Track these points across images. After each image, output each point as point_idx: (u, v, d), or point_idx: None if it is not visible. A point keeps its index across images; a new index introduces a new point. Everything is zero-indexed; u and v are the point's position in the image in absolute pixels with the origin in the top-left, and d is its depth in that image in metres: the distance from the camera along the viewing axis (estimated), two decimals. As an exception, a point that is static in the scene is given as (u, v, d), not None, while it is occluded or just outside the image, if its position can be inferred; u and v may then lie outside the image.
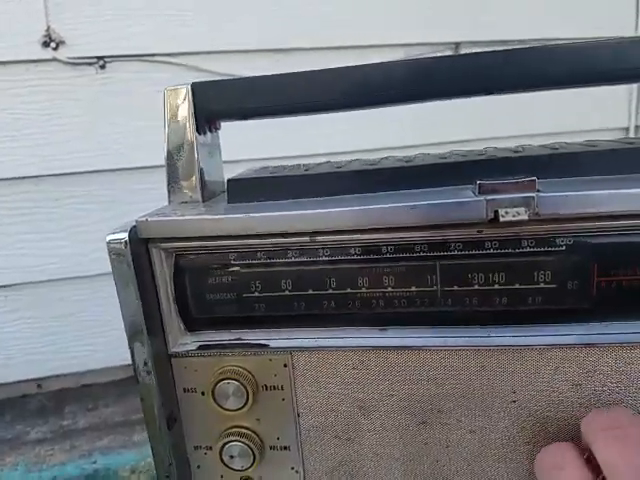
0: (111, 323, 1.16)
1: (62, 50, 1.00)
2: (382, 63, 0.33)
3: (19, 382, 1.20)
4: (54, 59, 1.01)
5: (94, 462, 1.03)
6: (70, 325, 1.18)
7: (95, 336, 1.19)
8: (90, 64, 1.03)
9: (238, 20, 1.06)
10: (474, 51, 0.34)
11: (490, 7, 1.19)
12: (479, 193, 0.29)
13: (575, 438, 0.32)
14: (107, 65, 1.03)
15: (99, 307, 1.16)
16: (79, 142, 1.05)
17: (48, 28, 0.98)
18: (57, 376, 1.21)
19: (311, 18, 1.10)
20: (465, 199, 0.29)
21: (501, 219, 0.28)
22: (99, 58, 1.03)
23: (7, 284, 1.13)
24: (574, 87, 0.33)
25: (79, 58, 1.02)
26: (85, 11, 0.99)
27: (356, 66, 0.33)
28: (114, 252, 0.31)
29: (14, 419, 1.17)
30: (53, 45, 0.99)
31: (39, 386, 1.22)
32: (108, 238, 0.31)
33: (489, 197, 0.28)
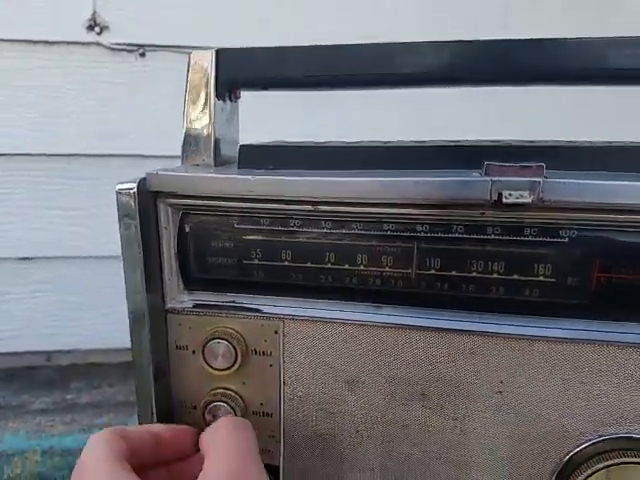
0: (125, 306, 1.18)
1: (105, 35, 1.04)
2: (417, 43, 0.33)
3: (29, 353, 1.22)
4: (97, 43, 1.04)
5: (92, 437, 1.05)
6: (86, 303, 1.21)
7: (109, 317, 1.21)
8: (130, 51, 1.06)
9: (284, 19, 1.08)
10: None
11: None
12: (485, 174, 0.29)
13: (559, 434, 0.32)
14: (147, 54, 1.07)
15: (116, 288, 1.18)
16: (112, 125, 1.09)
17: (94, 13, 1.01)
18: (67, 351, 1.23)
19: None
20: (470, 178, 0.29)
21: (504, 200, 0.28)
22: (140, 46, 1.06)
23: (28, 256, 1.16)
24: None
25: (121, 44, 1.05)
26: (132, -1, 1.03)
27: (388, 44, 0.33)
28: (122, 202, 0.32)
29: (21, 388, 1.20)
30: (97, 30, 1.03)
31: (48, 359, 1.25)
32: (117, 187, 0.32)
33: (495, 178, 0.28)
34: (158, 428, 0.32)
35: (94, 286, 1.20)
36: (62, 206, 1.13)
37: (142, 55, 1.06)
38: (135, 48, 1.05)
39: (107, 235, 1.14)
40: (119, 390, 1.18)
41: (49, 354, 1.25)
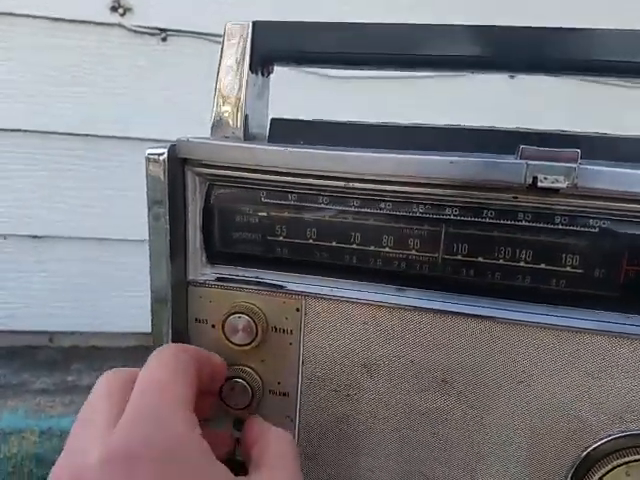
0: (132, 291, 1.18)
1: (128, 17, 1.04)
2: (457, 26, 0.33)
3: (32, 332, 1.22)
4: (120, 25, 1.04)
5: (91, 419, 1.04)
6: (92, 285, 1.20)
7: (115, 300, 1.21)
8: (152, 35, 1.06)
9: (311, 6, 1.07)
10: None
11: None
12: (521, 157, 0.29)
13: (580, 427, 0.31)
14: (169, 38, 1.07)
15: (124, 272, 1.18)
16: (129, 108, 1.09)
17: (119, -7, 1.02)
18: (71, 333, 1.23)
19: None
20: (505, 160, 0.29)
21: (539, 184, 0.28)
22: (162, 30, 1.06)
23: (38, 235, 1.17)
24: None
25: (143, 27, 1.05)
26: (156, -17, 1.03)
27: (428, 25, 0.33)
28: (151, 167, 0.32)
29: (22, 367, 1.19)
30: (121, 11, 1.03)
31: (50, 340, 1.25)
32: (147, 152, 0.32)
33: (530, 162, 0.28)
34: (216, 359, 0.32)
35: (101, 268, 1.19)
36: (74, 186, 1.13)
37: (164, 40, 1.06)
38: (157, 32, 1.05)
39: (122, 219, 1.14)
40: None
41: (51, 334, 1.24)
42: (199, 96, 1.05)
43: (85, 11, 1.02)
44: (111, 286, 1.19)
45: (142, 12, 1.04)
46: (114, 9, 1.02)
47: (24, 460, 1.01)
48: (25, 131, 1.08)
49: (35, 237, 1.16)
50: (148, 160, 0.32)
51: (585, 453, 0.32)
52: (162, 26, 1.05)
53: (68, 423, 1.04)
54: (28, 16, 1.00)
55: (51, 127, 1.09)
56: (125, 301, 1.19)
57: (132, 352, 1.24)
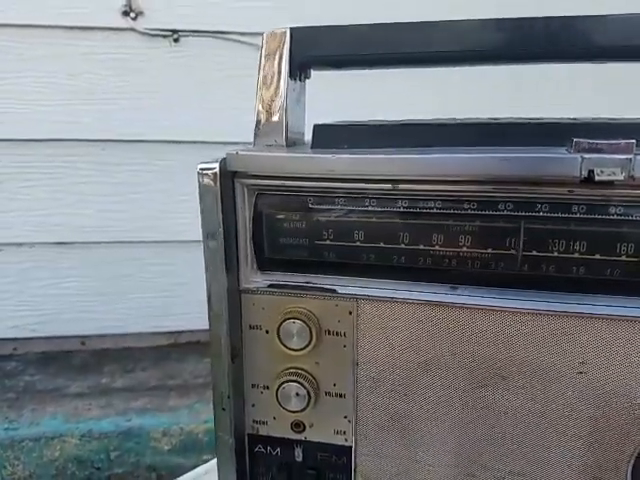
0: (157, 291, 1.20)
1: (140, 21, 1.04)
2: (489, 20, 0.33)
3: (65, 337, 1.25)
4: (132, 29, 1.04)
5: (129, 420, 1.07)
6: (119, 288, 1.22)
7: (141, 302, 1.22)
8: (165, 37, 1.06)
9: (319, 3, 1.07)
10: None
11: None
12: (575, 151, 0.28)
13: (638, 418, 0.32)
14: (181, 39, 1.07)
15: (149, 274, 1.20)
16: (145, 112, 1.09)
17: (130, -2, 1.02)
18: (102, 335, 1.25)
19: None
20: (560, 155, 0.28)
21: (596, 178, 0.28)
22: (174, 31, 1.06)
23: (63, 241, 1.18)
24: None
25: (155, 30, 1.05)
26: (166, -16, 1.02)
27: (460, 21, 0.33)
28: (203, 183, 0.32)
29: (57, 372, 1.22)
30: (132, 15, 1.03)
31: (83, 343, 1.27)
32: (199, 167, 0.32)
33: (586, 155, 0.28)
34: None
35: (126, 272, 1.21)
36: (96, 192, 1.14)
37: (176, 40, 1.06)
38: (169, 33, 1.05)
39: (143, 220, 1.15)
40: (152, 374, 1.20)
41: (83, 338, 1.27)
42: (211, 96, 1.06)
43: (97, 17, 1.02)
44: (138, 289, 1.21)
45: (154, 14, 1.04)
46: (126, 14, 1.02)
47: (66, 463, 1.04)
48: (41, 140, 1.09)
49: (61, 244, 1.18)
50: (200, 175, 0.32)
51: (646, 440, 0.32)
52: (174, 27, 1.05)
53: (108, 424, 1.06)
54: (45, 27, 1.01)
55: (68, 134, 1.09)
56: (152, 305, 1.20)
57: (161, 350, 1.26)
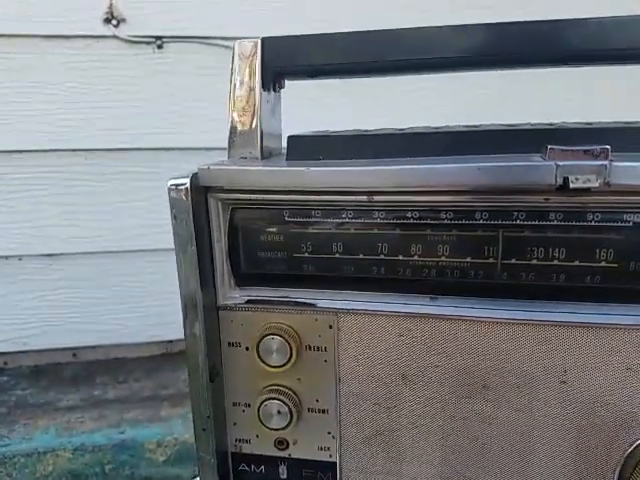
0: (149, 300, 1.18)
1: (122, 28, 1.03)
2: (464, 26, 0.32)
3: (56, 350, 1.23)
4: (114, 36, 1.03)
5: (122, 432, 1.05)
6: (109, 299, 1.21)
7: (132, 312, 1.21)
8: (148, 43, 1.05)
9: (307, 8, 1.06)
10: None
11: None
12: (549, 158, 0.28)
13: (623, 425, 0.31)
14: (164, 45, 1.06)
15: (139, 283, 1.19)
16: (131, 119, 1.08)
17: (111, 5, 1.00)
18: (92, 347, 1.24)
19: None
20: (535, 163, 0.28)
21: (571, 185, 0.27)
22: (157, 38, 1.05)
23: (52, 253, 1.17)
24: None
25: (138, 37, 1.04)
26: (148, -9, 1.01)
27: (437, 27, 0.32)
28: (174, 198, 0.31)
29: (49, 385, 1.21)
30: (114, 22, 1.02)
31: (74, 355, 1.26)
32: (169, 183, 0.31)
33: (560, 162, 0.27)
34: None
35: (115, 282, 1.20)
36: (80, 202, 1.13)
37: (159, 47, 1.05)
38: (153, 40, 1.04)
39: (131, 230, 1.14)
40: (145, 385, 1.19)
41: (75, 350, 1.25)
42: (196, 102, 1.06)
43: (78, 25, 1.01)
44: (128, 300, 1.20)
45: (136, 21, 1.03)
46: (107, 21, 1.01)
47: (60, 478, 1.02)
48: (25, 151, 1.08)
49: (48, 255, 1.17)
50: (171, 190, 0.31)
51: (632, 448, 0.32)
52: (157, 34, 1.04)
53: (101, 437, 1.05)
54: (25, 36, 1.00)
55: (53, 145, 1.08)
56: (143, 315, 1.19)
57: (153, 361, 1.25)
